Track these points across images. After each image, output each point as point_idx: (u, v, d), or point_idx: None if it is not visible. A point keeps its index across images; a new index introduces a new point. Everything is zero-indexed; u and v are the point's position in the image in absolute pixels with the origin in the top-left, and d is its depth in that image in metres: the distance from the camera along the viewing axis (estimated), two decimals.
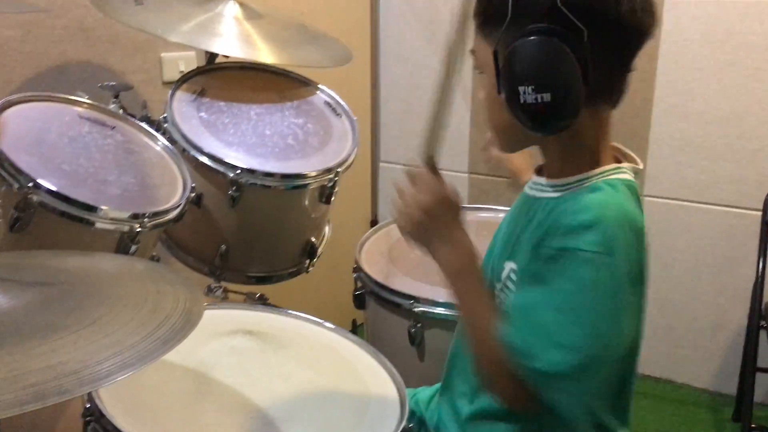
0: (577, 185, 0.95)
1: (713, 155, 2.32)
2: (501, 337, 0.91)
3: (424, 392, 1.22)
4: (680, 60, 2.30)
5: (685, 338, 2.49)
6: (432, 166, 1.00)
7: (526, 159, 1.35)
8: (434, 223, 0.98)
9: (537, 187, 1.02)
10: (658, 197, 2.41)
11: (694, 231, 2.39)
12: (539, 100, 0.86)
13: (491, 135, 1.02)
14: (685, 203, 2.37)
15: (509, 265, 1.00)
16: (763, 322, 2.02)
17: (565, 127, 0.89)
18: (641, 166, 1.00)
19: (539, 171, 1.03)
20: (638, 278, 0.91)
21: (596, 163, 0.95)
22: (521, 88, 0.87)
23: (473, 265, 0.99)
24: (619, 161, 0.99)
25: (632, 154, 1.01)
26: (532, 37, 0.86)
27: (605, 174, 0.94)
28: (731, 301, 2.39)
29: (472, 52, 0.98)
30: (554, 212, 0.94)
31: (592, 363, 0.89)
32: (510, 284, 1.00)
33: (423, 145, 1.02)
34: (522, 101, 0.87)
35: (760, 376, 2.09)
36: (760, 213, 2.12)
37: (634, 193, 0.95)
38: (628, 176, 0.96)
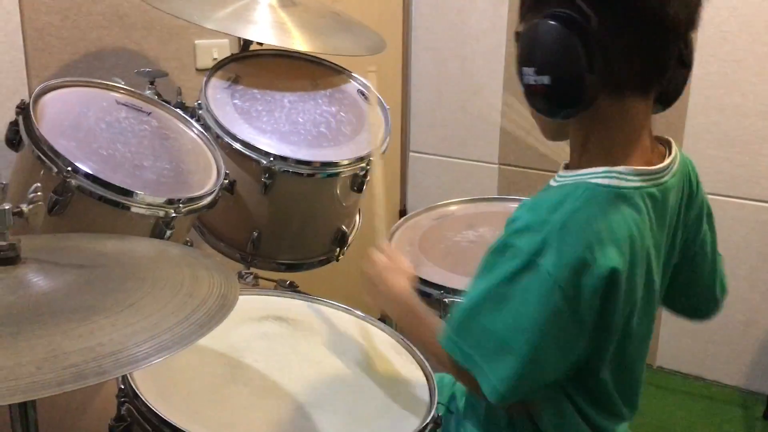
0: (572, 180, 0.93)
1: (749, 149, 2.28)
2: (442, 346, 0.97)
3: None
4: (717, 52, 2.26)
5: (716, 335, 2.45)
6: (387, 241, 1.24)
7: None
8: (378, 284, 1.15)
9: (555, 178, 1.00)
10: None
11: (729, 226, 2.35)
12: (538, 82, 0.87)
13: None
14: (720, 197, 2.33)
15: None
16: None
17: (572, 114, 0.89)
18: (658, 165, 0.94)
19: (567, 166, 1.01)
20: (575, 294, 0.87)
21: (604, 161, 0.91)
22: (525, 69, 0.89)
23: (408, 307, 1.11)
24: (650, 161, 0.94)
25: (673, 148, 0.98)
26: (541, 20, 0.86)
27: (585, 177, 0.91)
28: (764, 298, 2.35)
29: (516, 34, 0.96)
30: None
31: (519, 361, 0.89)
32: None
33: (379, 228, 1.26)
34: (526, 82, 0.89)
35: None
36: None
37: (611, 197, 0.89)
38: (614, 180, 0.89)
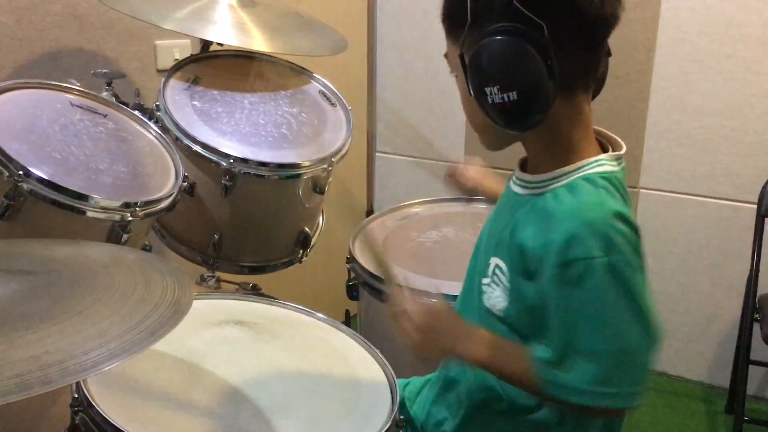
0: (554, 182, 0.95)
1: (709, 148, 2.32)
2: (559, 393, 0.92)
3: (415, 383, 1.22)
4: (677, 52, 2.29)
5: (679, 331, 2.49)
6: (398, 285, 1.03)
7: (481, 174, 1.40)
8: (433, 332, 0.98)
9: (519, 182, 1.02)
10: (653, 189, 2.40)
11: (690, 223, 2.39)
12: (506, 99, 0.87)
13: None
14: (681, 196, 2.37)
15: (494, 261, 1.00)
16: (756, 315, 2.02)
17: (538, 122, 0.90)
18: (623, 151, 0.98)
19: (522, 165, 1.03)
20: (641, 266, 0.90)
21: (575, 156, 0.95)
22: (487, 89, 0.88)
23: (492, 343, 0.97)
24: (604, 148, 0.98)
25: (615, 138, 1.00)
26: (492, 38, 0.87)
27: (583, 169, 0.94)
28: (725, 294, 2.39)
29: (445, 56, 0.99)
30: (534, 213, 0.95)
31: (639, 360, 0.90)
32: (496, 279, 1.00)
33: (384, 276, 1.08)
34: (490, 101, 0.88)
35: (753, 369, 2.10)
36: (755, 206, 2.12)
37: (615, 184, 0.94)
38: (609, 167, 0.94)
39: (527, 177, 1.00)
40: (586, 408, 0.92)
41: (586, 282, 0.87)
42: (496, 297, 1.00)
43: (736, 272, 2.33)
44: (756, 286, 2.07)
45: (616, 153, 0.97)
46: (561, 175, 0.95)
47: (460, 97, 0.99)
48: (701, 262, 2.41)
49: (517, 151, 1.03)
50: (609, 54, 0.98)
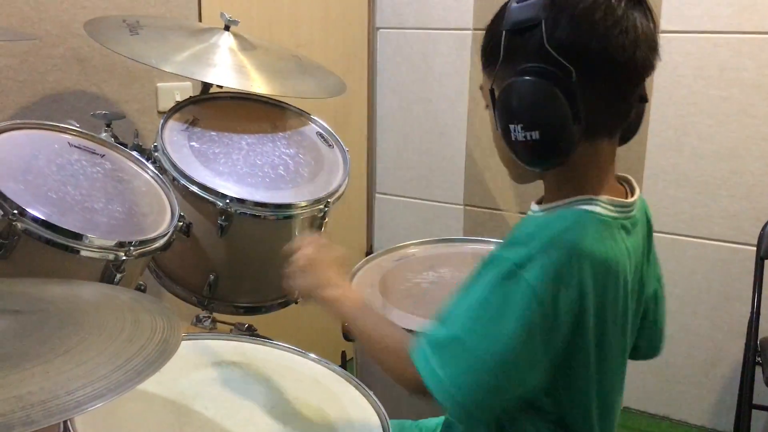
0: (557, 207, 0.96)
1: (707, 190, 2.32)
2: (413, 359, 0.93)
3: (430, 421, 1.22)
4: (674, 95, 2.32)
5: (681, 374, 2.46)
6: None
7: None
8: (311, 266, 1.10)
9: (528, 214, 1.03)
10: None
11: (689, 265, 2.38)
12: (528, 138, 0.88)
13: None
14: (680, 237, 2.37)
15: None
16: (758, 359, 2.00)
17: (560, 163, 0.90)
18: (629, 199, 0.99)
19: (540, 201, 1.03)
20: (549, 314, 0.88)
21: (577, 193, 0.95)
22: (512, 126, 0.89)
23: (353, 297, 1.06)
24: (626, 193, 0.99)
25: (635, 186, 1.02)
26: (521, 77, 0.87)
27: (572, 204, 0.94)
28: (727, 337, 2.37)
29: (481, 88, 1.00)
30: None
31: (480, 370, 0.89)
32: None
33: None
34: (513, 138, 0.89)
35: (756, 413, 2.07)
36: (754, 248, 2.11)
37: (596, 223, 0.92)
38: (599, 209, 0.93)
39: (535, 208, 1.01)
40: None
41: (488, 276, 0.89)
42: None
43: (736, 315, 2.31)
44: (757, 329, 2.05)
45: (618, 199, 0.96)
46: (555, 206, 0.96)
47: (492, 133, 1.00)
48: (702, 305, 2.39)
49: (523, 190, 1.04)
50: (645, 100, 0.97)
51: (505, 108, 0.90)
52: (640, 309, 1.06)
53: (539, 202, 1.02)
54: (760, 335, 2.07)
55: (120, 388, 0.69)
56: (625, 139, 0.99)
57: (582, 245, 0.89)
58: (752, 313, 2.07)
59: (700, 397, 2.45)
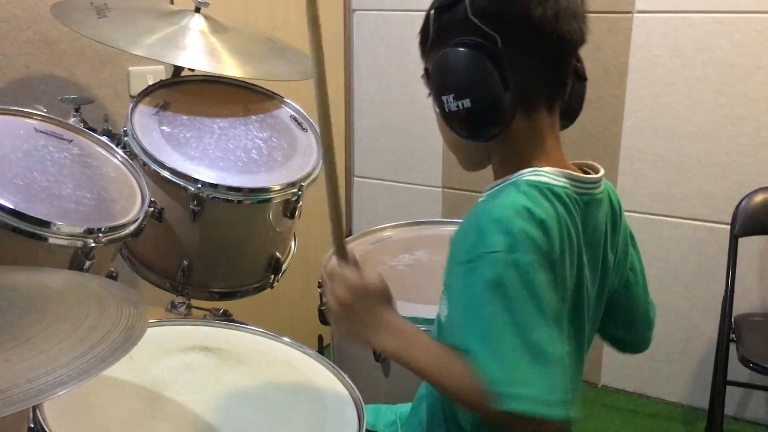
0: (494, 188, 0.96)
1: (683, 170, 2.33)
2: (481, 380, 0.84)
3: (405, 407, 1.22)
4: (650, 75, 2.32)
5: (658, 352, 2.48)
6: (344, 256, 1.00)
7: None
8: (352, 313, 0.95)
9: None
10: (629, 211, 2.40)
11: (666, 245, 2.40)
12: (461, 107, 0.90)
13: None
14: (656, 217, 2.38)
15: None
16: (732, 336, 2.02)
17: (497, 134, 0.91)
18: (597, 174, 0.98)
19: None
20: (550, 264, 0.87)
21: (520, 167, 0.94)
22: (444, 98, 0.91)
23: (407, 335, 0.94)
24: (585, 172, 0.99)
25: (596, 165, 1.01)
26: (448, 49, 0.90)
27: (516, 177, 0.94)
28: (702, 315, 2.39)
29: (422, 77, 1.00)
30: (465, 219, 0.96)
31: (550, 362, 0.84)
32: (444, 288, 0.99)
33: (332, 239, 1.01)
34: (447, 110, 0.91)
35: (730, 389, 2.10)
36: (729, 227, 2.13)
37: (545, 192, 0.91)
38: (546, 179, 0.92)
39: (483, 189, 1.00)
40: (509, 415, 0.82)
41: (489, 276, 0.85)
42: (442, 306, 1.00)
43: (712, 293, 2.33)
44: (731, 306, 2.08)
45: (569, 171, 0.95)
46: (498, 184, 0.96)
47: (437, 123, 0.99)
48: (678, 283, 2.41)
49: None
50: (584, 78, 0.99)
51: (437, 81, 0.92)
52: (603, 295, 1.04)
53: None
54: (735, 313, 2.10)
55: (83, 375, 0.68)
56: (569, 119, 1.00)
57: (530, 208, 0.87)
58: (726, 291, 2.09)
59: (676, 374, 2.48)
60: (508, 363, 0.83)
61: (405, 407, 1.23)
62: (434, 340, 0.95)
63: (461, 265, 0.89)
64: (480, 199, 0.98)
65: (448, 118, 0.92)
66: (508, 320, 0.84)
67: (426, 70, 0.96)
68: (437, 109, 0.93)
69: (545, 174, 0.93)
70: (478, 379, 0.83)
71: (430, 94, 0.97)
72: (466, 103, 0.89)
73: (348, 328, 0.98)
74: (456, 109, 0.90)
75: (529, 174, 0.93)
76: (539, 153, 0.95)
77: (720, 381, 2.03)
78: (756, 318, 2.12)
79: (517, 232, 0.86)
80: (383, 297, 0.97)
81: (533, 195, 0.90)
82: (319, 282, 1.57)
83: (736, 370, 2.03)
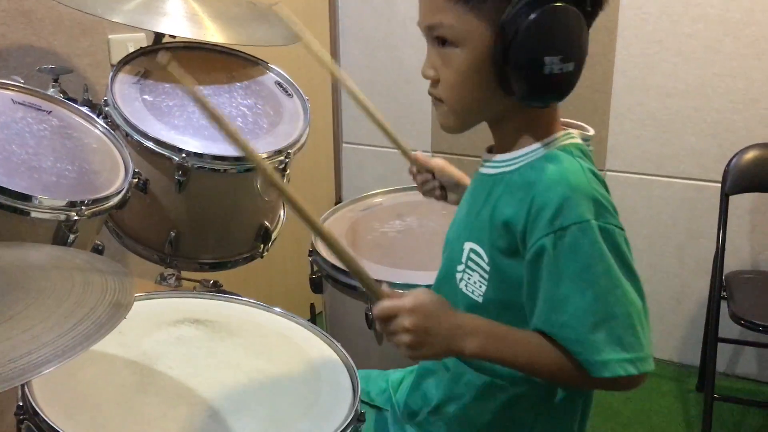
0: (530, 156, 0.94)
1: (673, 128, 2.32)
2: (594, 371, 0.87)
3: (396, 373, 1.21)
4: (639, 34, 2.29)
5: (650, 311, 2.49)
6: (379, 294, 0.93)
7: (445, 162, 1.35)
8: (428, 334, 0.90)
9: (490, 165, 1.00)
10: (619, 171, 2.40)
11: (656, 204, 2.39)
12: (563, 70, 0.85)
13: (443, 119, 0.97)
14: (647, 177, 2.37)
15: (469, 246, 0.98)
16: (723, 293, 2.03)
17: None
18: (591, 132, 0.98)
19: (490, 150, 1.01)
20: (623, 229, 0.90)
21: (546, 132, 0.94)
22: (548, 59, 0.84)
23: (488, 331, 0.92)
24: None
25: (581, 125, 1.00)
26: (560, 5, 0.84)
27: (557, 141, 0.93)
28: (693, 273, 2.40)
29: (431, 28, 0.93)
30: (514, 186, 0.93)
31: (644, 321, 0.88)
32: (472, 264, 0.98)
33: (365, 286, 0.95)
34: (548, 72, 0.84)
35: (722, 347, 2.11)
36: (719, 185, 2.12)
37: (588, 156, 0.94)
38: (579, 141, 0.94)
39: (500, 157, 0.97)
40: (611, 380, 0.86)
41: (584, 246, 0.85)
42: (473, 283, 0.98)
43: (703, 251, 2.34)
44: (722, 264, 2.08)
45: (582, 132, 0.96)
46: (535, 149, 0.93)
47: (451, 72, 0.92)
48: (669, 243, 2.41)
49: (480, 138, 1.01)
50: None
51: (542, 40, 0.84)
52: None
53: (490, 151, 1.00)
54: (726, 270, 2.10)
55: (68, 353, 0.67)
56: None
57: (596, 173, 0.91)
58: (717, 249, 2.09)
59: (667, 332, 2.50)
60: (618, 330, 0.85)
61: (396, 374, 1.22)
62: (511, 327, 0.93)
63: (546, 238, 0.86)
64: (516, 167, 0.94)
65: (540, 80, 0.85)
66: (611, 286, 0.85)
67: (502, 25, 0.86)
68: (519, 69, 0.85)
69: (575, 137, 0.93)
70: (574, 355, 0.87)
71: (447, 46, 0.91)
72: (569, 66, 0.85)
73: (433, 352, 0.92)
74: (558, 72, 0.84)
75: (567, 138, 0.93)
76: (556, 115, 0.95)
77: (711, 338, 2.04)
78: (747, 275, 2.13)
79: (599, 197, 0.87)
80: (443, 304, 0.93)
81: (584, 159, 0.91)
82: (309, 250, 1.55)
83: (727, 327, 2.05)
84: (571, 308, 0.86)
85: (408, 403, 1.13)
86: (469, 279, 0.99)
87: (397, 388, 1.18)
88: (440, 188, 1.35)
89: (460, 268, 0.99)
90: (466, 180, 1.29)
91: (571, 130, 0.95)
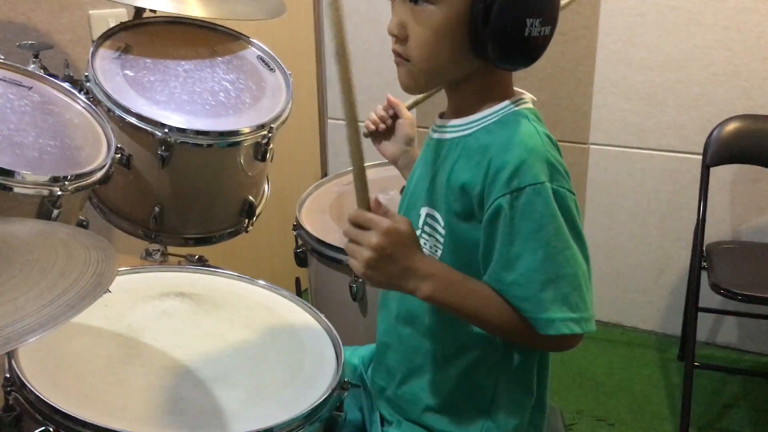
0: (485, 120, 0.95)
1: (655, 101, 2.33)
2: (539, 326, 0.89)
3: (365, 350, 1.22)
4: (622, 6, 2.29)
5: (631, 282, 2.53)
6: (367, 204, 0.92)
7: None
8: (389, 261, 0.89)
9: (443, 129, 1.00)
10: (602, 145, 2.42)
11: (639, 177, 2.42)
12: (541, 33, 0.87)
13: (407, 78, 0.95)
14: (629, 150, 2.39)
15: (425, 210, 1.00)
16: (704, 264, 2.06)
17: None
18: (534, 99, 1.00)
19: (442, 115, 1.02)
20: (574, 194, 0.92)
21: (501, 96, 0.95)
22: (530, 20, 0.86)
23: (444, 276, 0.93)
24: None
25: (518, 90, 1.01)
26: None
27: (511, 106, 0.94)
28: (675, 244, 2.43)
29: None
30: (470, 150, 0.94)
31: (588, 284, 0.91)
32: (428, 229, 0.99)
33: (357, 194, 0.93)
34: (527, 33, 0.86)
35: (702, 316, 2.15)
36: (701, 157, 2.15)
37: (540, 119, 0.96)
38: (531, 105, 0.96)
39: (455, 121, 0.98)
40: (555, 338, 0.89)
41: (538, 207, 0.87)
42: (430, 248, 0.99)
43: (684, 223, 2.37)
44: (703, 235, 2.11)
45: (531, 96, 0.98)
46: (492, 113, 0.94)
47: (423, 31, 0.90)
48: (651, 215, 2.44)
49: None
50: None
51: (524, 2, 0.86)
52: None
53: (442, 116, 1.01)
54: (706, 241, 2.13)
55: (51, 322, 0.68)
56: None
57: (549, 136, 0.92)
58: (698, 220, 2.12)
59: (649, 303, 2.54)
60: (564, 289, 0.88)
61: (365, 350, 1.22)
62: (467, 276, 0.94)
63: (502, 199, 0.87)
64: (472, 132, 0.95)
65: (520, 42, 0.86)
66: (561, 247, 0.87)
67: None
68: (499, 30, 0.85)
69: (528, 101, 0.95)
70: (522, 313, 0.90)
71: (423, 3, 0.89)
72: (547, 30, 0.88)
73: (386, 277, 0.91)
74: (537, 34, 0.87)
75: (521, 103, 0.94)
76: (511, 80, 0.97)
77: (692, 308, 2.07)
78: (726, 246, 2.16)
79: (554, 161, 0.88)
80: (415, 242, 0.92)
81: (539, 122, 0.93)
82: (294, 224, 1.57)
83: (707, 297, 2.08)
84: (522, 267, 0.88)
85: (375, 380, 1.15)
86: (425, 244, 1.00)
87: (368, 366, 1.19)
88: (385, 132, 1.38)
89: (417, 233, 0.99)
90: (416, 150, 1.31)
91: (524, 95, 0.97)
